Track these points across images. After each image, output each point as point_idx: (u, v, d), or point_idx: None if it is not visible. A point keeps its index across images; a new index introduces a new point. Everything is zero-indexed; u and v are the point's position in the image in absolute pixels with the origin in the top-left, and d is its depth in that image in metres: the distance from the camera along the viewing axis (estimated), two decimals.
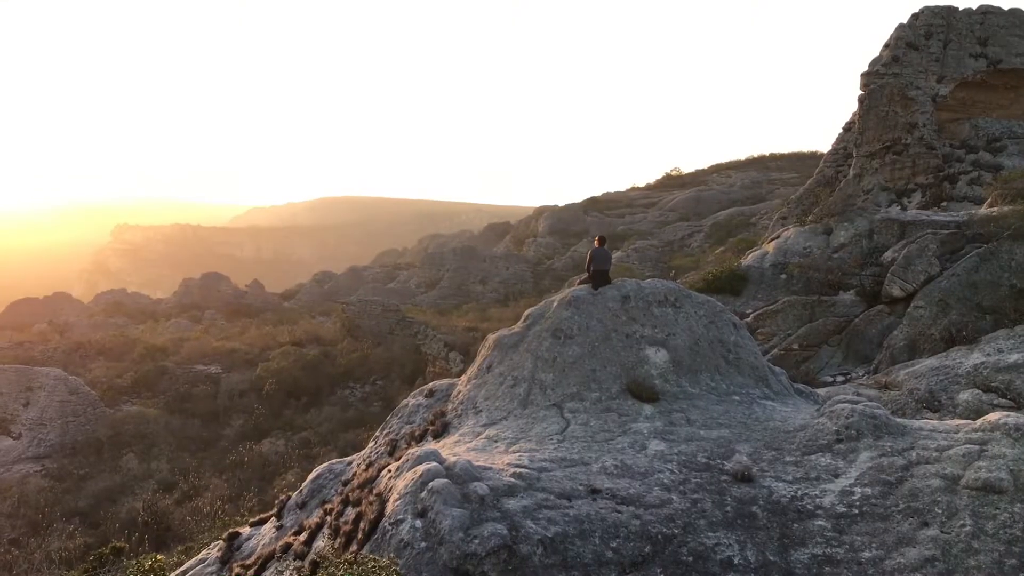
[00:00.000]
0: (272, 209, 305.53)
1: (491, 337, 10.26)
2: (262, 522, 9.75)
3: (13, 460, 26.40)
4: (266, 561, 8.14)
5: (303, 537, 7.96)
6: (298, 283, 68.76)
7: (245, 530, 9.83)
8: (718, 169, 72.84)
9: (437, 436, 9.17)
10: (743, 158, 75.35)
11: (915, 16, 33.66)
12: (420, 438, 9.26)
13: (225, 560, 9.45)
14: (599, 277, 10.48)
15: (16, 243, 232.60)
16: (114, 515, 20.88)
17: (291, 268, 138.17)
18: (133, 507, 20.64)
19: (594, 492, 7.13)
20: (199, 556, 10.10)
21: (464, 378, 10.14)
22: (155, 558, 9.72)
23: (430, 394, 10.57)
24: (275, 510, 9.72)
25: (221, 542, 9.72)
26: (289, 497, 9.72)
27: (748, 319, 19.14)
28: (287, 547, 7.98)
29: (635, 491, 7.15)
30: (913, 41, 32.52)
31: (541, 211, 70.44)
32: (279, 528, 9.36)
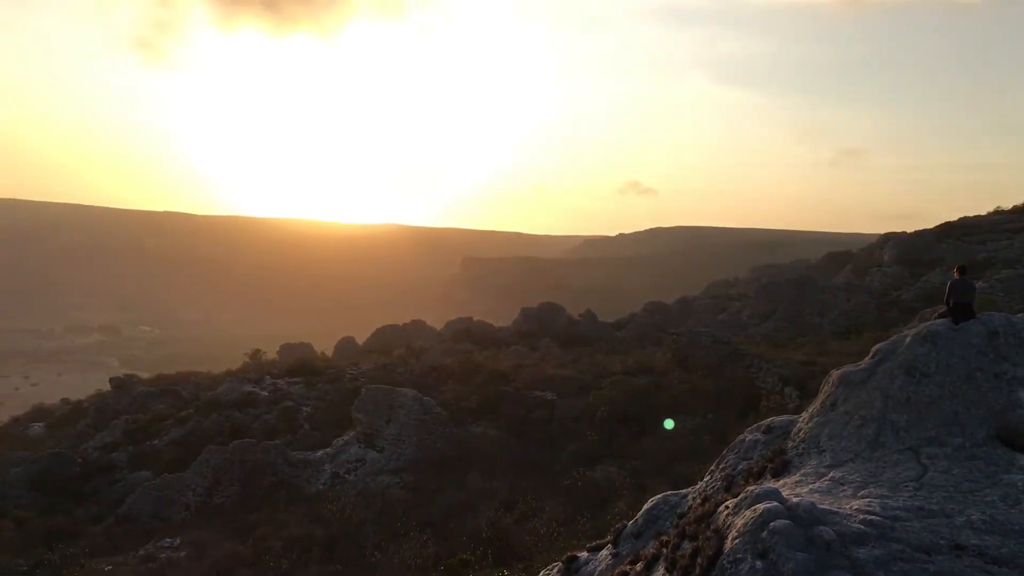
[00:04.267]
0: (604, 240, 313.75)
1: (835, 373, 9.68)
2: (598, 548, 9.95)
3: (377, 471, 29.23)
4: None
5: (639, 567, 7.99)
6: (629, 313, 69.81)
7: (582, 554, 10.08)
8: None
9: (776, 474, 8.80)
10: None
11: None
12: (758, 475, 8.94)
13: None
14: (960, 310, 9.50)
15: (384, 271, 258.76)
16: (460, 529, 22.33)
17: (622, 298, 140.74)
18: (477, 523, 21.96)
19: (958, 548, 6.43)
20: (540, 575, 10.49)
21: (805, 415, 9.65)
22: (502, 573, 10.25)
23: (768, 430, 10.20)
24: (611, 537, 9.86)
25: (560, 564, 10.06)
26: (624, 525, 9.82)
27: None
28: (624, 575, 8.06)
29: (1009, 551, 6.35)
30: None
31: (886, 239, 65.64)
32: (615, 555, 9.48)
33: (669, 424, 29.48)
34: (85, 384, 64.95)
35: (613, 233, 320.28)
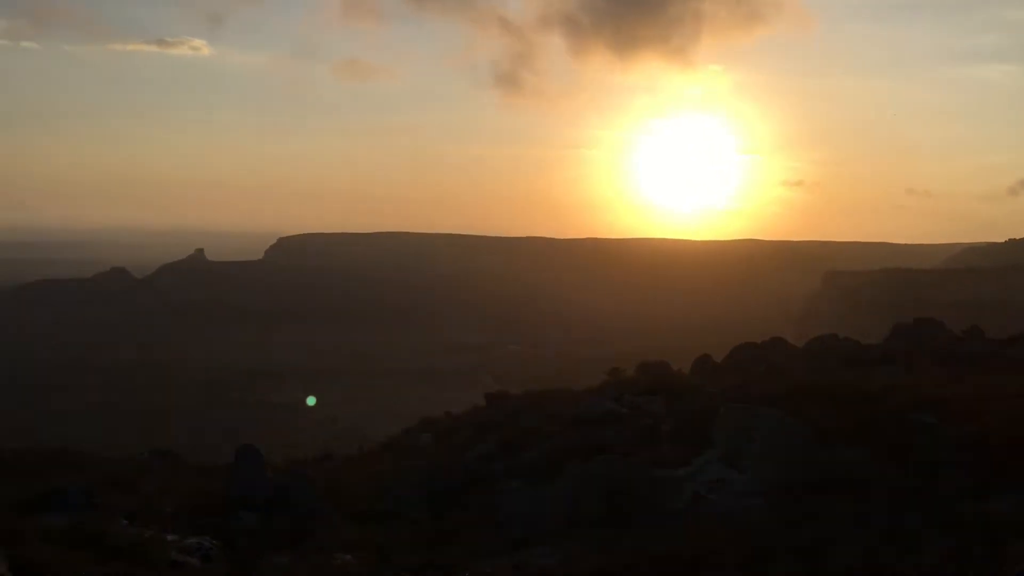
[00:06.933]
0: (991, 247, 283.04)
1: None
2: None
3: (738, 493, 28.52)
4: None
5: None
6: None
7: None
8: None
9: None
10: None
11: None
12: None
13: None
14: None
15: (741, 287, 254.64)
16: (829, 557, 21.16)
17: (1014, 312, 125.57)
18: (849, 552, 20.65)
19: None
20: None
21: None
22: None
23: None
24: None
25: None
26: None
27: None
28: None
29: None
30: None
31: None
32: None
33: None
34: (463, 399, 70.86)
35: (1002, 239, 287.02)
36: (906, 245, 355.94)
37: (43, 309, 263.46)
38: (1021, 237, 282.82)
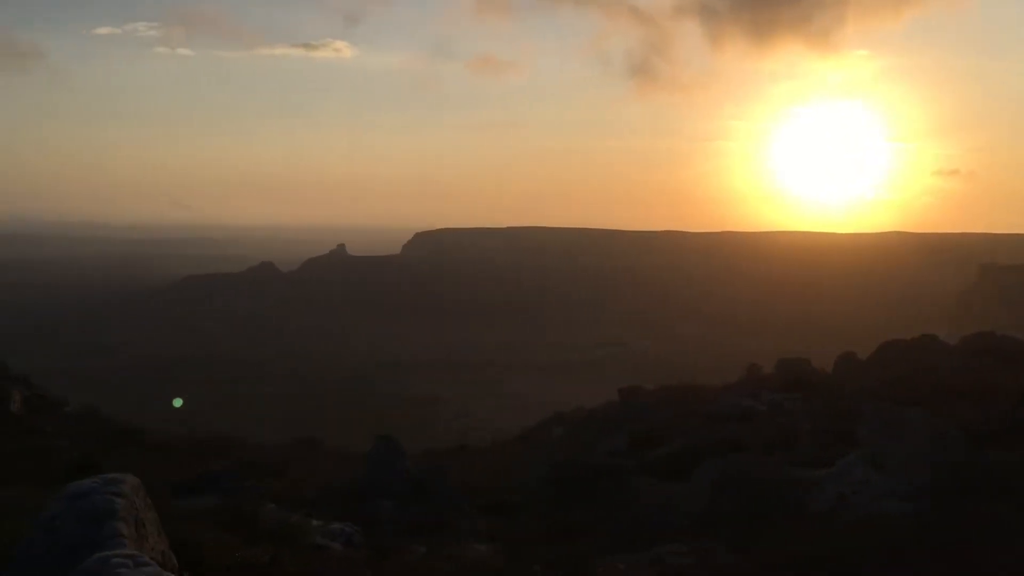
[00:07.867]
0: None
1: None
2: None
3: (883, 495, 27.25)
4: None
5: None
6: None
7: None
8: None
9: None
10: None
11: None
12: None
13: None
14: None
15: (889, 281, 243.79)
16: (986, 562, 20.02)
17: None
18: (1001, 559, 19.48)
19: None
20: None
21: None
22: None
23: None
24: None
25: None
26: None
27: None
28: None
29: None
30: None
31: None
32: None
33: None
34: (596, 393, 70.76)
35: None
36: None
37: (199, 302, 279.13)
38: None
